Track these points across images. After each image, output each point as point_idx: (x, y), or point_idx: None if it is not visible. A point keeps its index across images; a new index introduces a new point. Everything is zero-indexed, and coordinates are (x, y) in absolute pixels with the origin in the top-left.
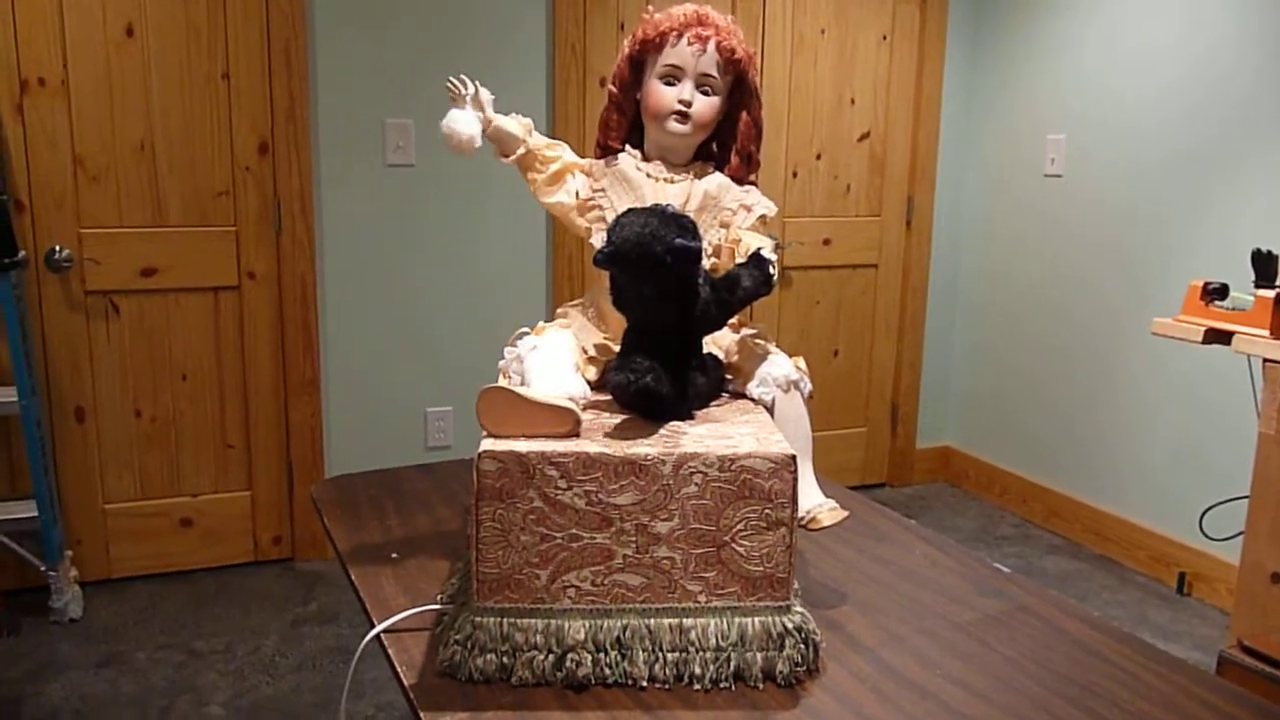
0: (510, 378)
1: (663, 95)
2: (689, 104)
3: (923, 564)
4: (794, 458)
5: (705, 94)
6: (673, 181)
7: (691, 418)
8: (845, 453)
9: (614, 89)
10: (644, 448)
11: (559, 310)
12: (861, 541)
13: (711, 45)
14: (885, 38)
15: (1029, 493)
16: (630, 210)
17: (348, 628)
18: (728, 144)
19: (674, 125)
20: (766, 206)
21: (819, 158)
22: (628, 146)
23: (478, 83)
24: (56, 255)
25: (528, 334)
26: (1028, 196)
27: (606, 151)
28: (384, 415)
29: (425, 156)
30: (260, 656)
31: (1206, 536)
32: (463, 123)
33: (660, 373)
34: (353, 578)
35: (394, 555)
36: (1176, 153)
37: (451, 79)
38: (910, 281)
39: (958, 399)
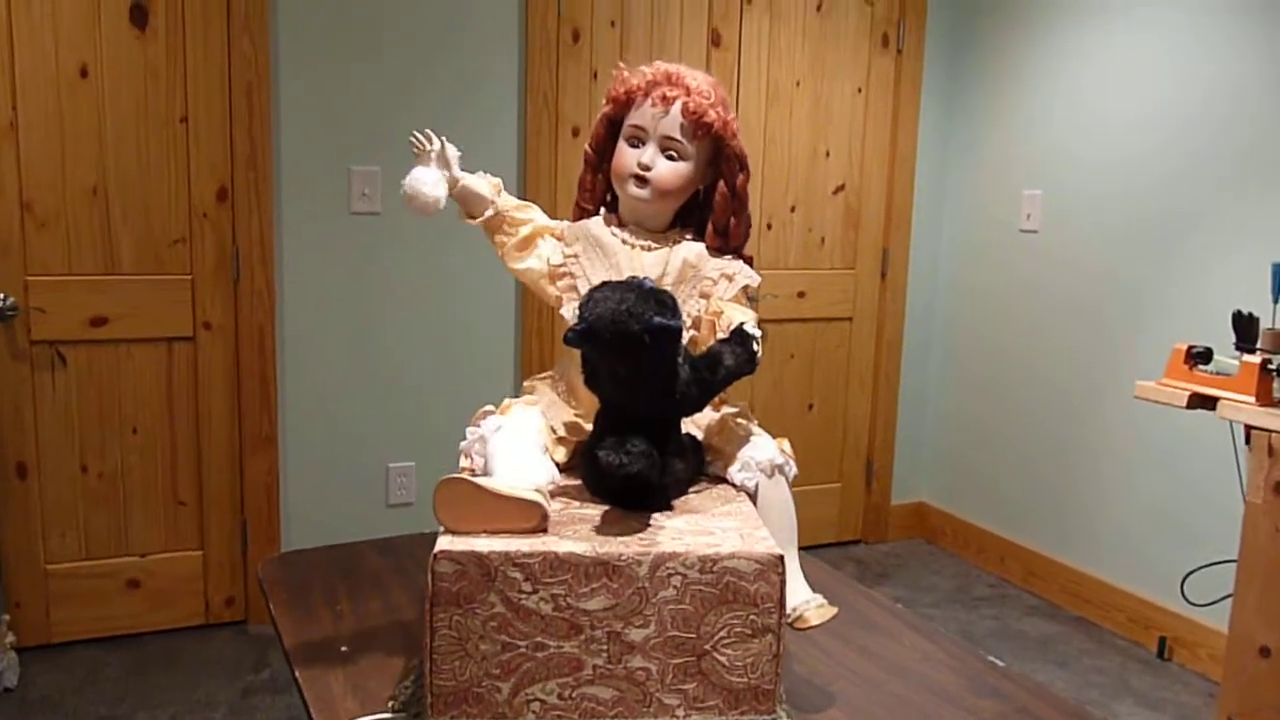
0: (473, 459)
1: (623, 157)
2: (648, 168)
3: (913, 657)
4: (781, 558)
5: (671, 158)
6: (650, 249)
7: (670, 508)
8: (820, 509)
9: (589, 149)
10: (618, 546)
11: (526, 384)
12: (848, 630)
13: (676, 107)
14: (860, 90)
15: (1006, 551)
16: (605, 284)
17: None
18: (706, 214)
19: (633, 189)
20: (749, 276)
21: (794, 210)
22: (603, 211)
23: (444, 138)
24: (1, 303)
25: (492, 412)
26: (1003, 252)
27: (583, 214)
28: (344, 471)
29: (392, 205)
30: None
31: (1188, 602)
32: (428, 183)
33: (657, 460)
34: (297, 677)
35: (344, 649)
36: (1155, 210)
37: (416, 133)
38: (884, 335)
39: (932, 455)
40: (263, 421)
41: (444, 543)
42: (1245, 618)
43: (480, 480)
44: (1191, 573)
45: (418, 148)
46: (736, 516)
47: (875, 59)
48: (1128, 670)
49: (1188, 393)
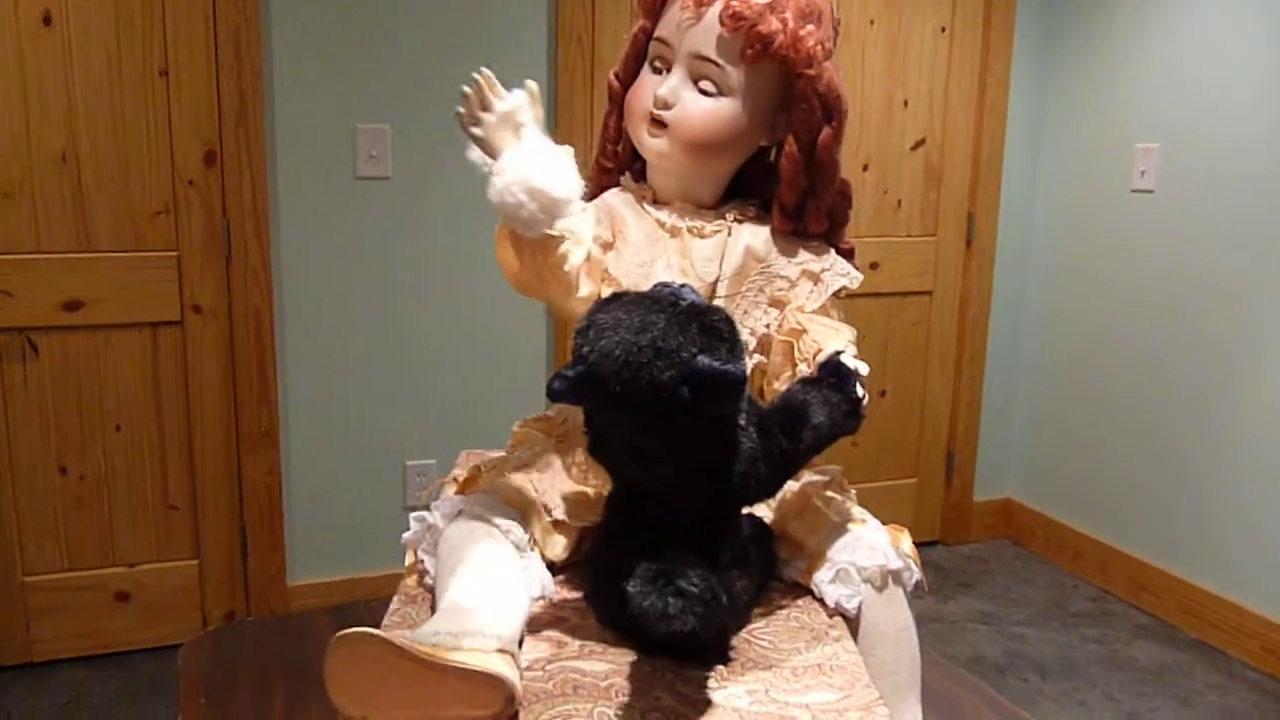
0: (420, 561)
1: (638, 89)
2: (667, 104)
3: None
4: None
5: (705, 92)
6: (703, 234)
7: (725, 659)
8: (894, 507)
9: (614, 77)
10: None
11: (515, 429)
12: None
13: (711, 13)
14: (944, 29)
15: (1108, 559)
16: (615, 298)
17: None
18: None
19: (646, 138)
20: (844, 274)
21: (866, 169)
22: (625, 177)
23: (534, 85)
24: None
25: (453, 487)
26: (1111, 215)
27: (604, 177)
28: (355, 470)
29: (403, 167)
30: None
31: None
32: (551, 169)
33: (724, 604)
34: None
35: None
36: None
37: (478, 76)
38: (969, 311)
39: (1022, 446)
40: (261, 416)
41: None
42: None
43: (400, 638)
44: None
45: (472, 105)
46: (834, 674)
47: None
48: (1266, 712)
49: None
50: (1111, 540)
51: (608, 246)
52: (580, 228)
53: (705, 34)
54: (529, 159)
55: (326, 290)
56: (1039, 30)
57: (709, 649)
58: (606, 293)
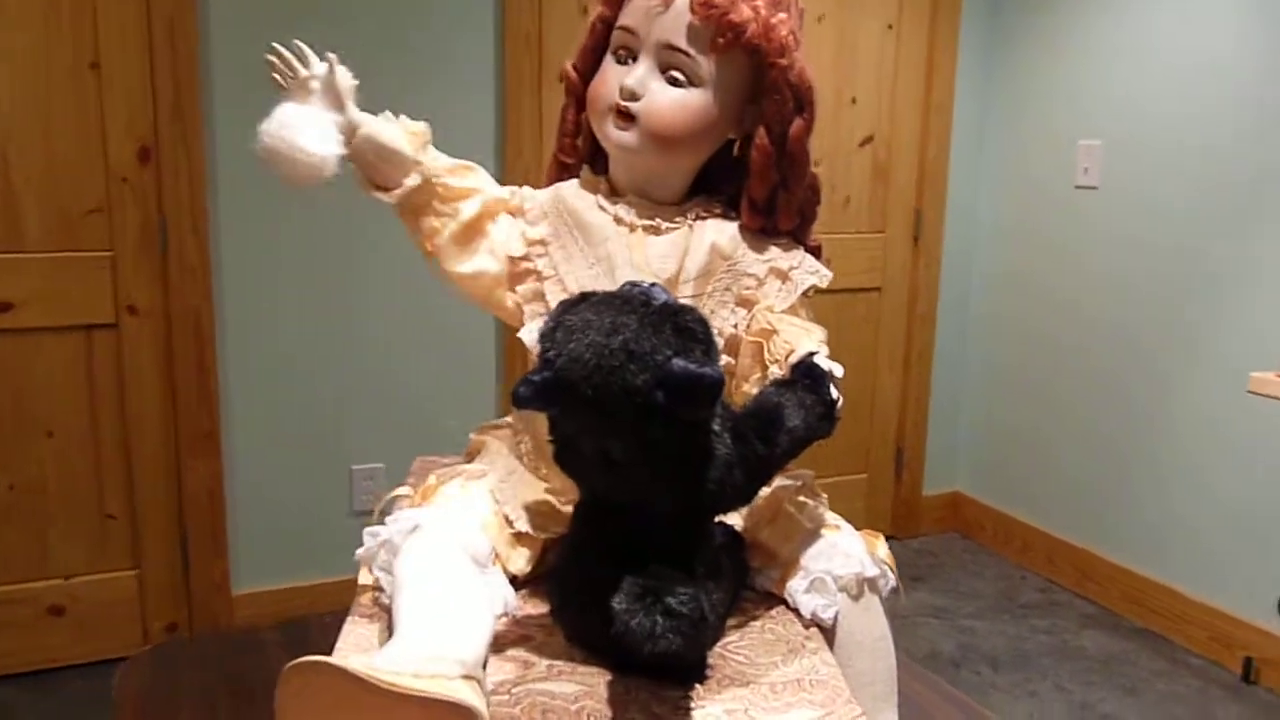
0: (375, 577)
1: (603, 80)
2: (634, 95)
3: None
4: None
5: (675, 82)
6: (658, 231)
7: (702, 677)
8: (844, 503)
9: (570, 68)
10: None
11: (474, 437)
12: None
13: (681, 0)
14: (891, 26)
15: (1055, 551)
16: (584, 299)
17: None
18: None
19: (612, 130)
20: (813, 271)
21: (816, 165)
22: (585, 171)
23: (333, 56)
24: None
25: (409, 498)
26: (1055, 212)
27: (563, 171)
28: (301, 474)
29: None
30: None
31: None
32: (309, 132)
33: (712, 623)
34: None
35: None
36: (1240, 161)
37: (278, 48)
38: (917, 307)
39: (970, 440)
40: (202, 419)
41: None
42: None
43: (357, 665)
44: None
45: (278, 68)
46: (814, 689)
47: None
48: (1210, 698)
49: None
50: (1057, 532)
51: (540, 243)
52: (466, 210)
53: (675, 22)
54: (293, 116)
55: (269, 289)
56: (985, 27)
57: (690, 668)
58: (554, 291)
